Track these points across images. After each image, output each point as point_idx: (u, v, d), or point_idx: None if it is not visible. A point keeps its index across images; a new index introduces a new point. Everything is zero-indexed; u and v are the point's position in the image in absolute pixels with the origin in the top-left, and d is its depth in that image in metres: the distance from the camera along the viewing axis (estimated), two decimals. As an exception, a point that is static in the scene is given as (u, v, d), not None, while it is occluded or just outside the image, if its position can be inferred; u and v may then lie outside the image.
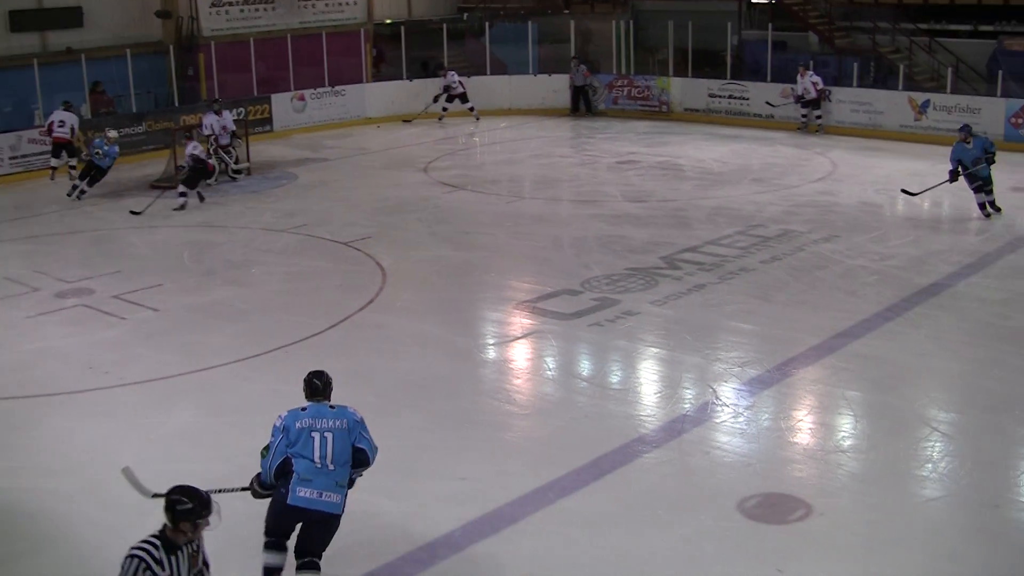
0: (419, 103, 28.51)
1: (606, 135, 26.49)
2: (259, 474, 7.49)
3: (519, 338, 12.75)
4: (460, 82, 28.19)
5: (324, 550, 7.45)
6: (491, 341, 12.87)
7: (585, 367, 12.10)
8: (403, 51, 29.24)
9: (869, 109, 25.46)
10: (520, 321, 13.23)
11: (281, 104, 27.00)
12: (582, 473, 9.28)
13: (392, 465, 8.53)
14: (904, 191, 18.75)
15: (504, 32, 32.12)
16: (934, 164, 21.98)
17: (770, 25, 29.04)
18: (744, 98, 28.02)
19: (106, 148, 19.79)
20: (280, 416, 7.43)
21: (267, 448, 7.41)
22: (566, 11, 34.10)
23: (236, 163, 21.81)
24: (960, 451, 9.67)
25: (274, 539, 7.49)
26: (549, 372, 11.84)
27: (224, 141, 21.58)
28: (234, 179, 21.50)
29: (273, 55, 27.31)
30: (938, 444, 9.78)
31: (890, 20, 28.95)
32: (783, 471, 9.33)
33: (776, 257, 15.51)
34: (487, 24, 30.98)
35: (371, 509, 8.48)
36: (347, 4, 30.08)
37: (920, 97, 25.86)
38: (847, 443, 9.84)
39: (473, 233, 17.30)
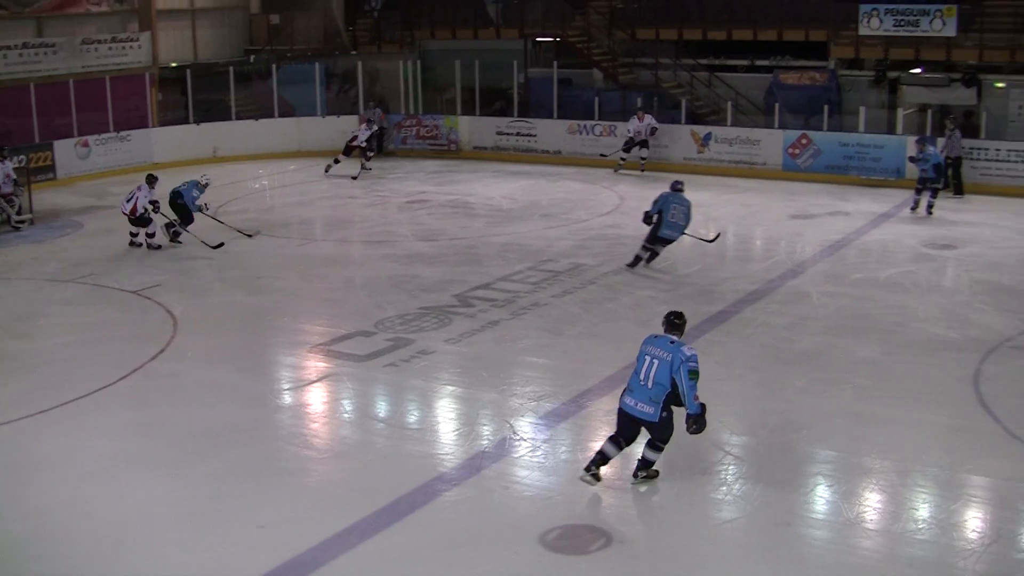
0: (204, 148, 28.00)
1: (396, 175, 26.41)
2: None
3: (314, 382, 12.48)
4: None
5: (659, 441, 9.36)
6: (286, 386, 12.57)
7: (382, 408, 11.92)
8: (189, 94, 28.61)
9: (655, 143, 26.09)
10: (315, 364, 12.97)
11: (64, 150, 25.93)
12: (383, 514, 9.09)
13: (188, 517, 8.20)
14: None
15: (291, 73, 31.78)
16: (718, 194, 22.75)
17: (555, 63, 29.54)
18: (531, 135, 28.40)
19: None
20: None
21: None
22: (353, 52, 34.01)
23: (19, 213, 20.83)
24: (753, 472, 9.87)
25: (614, 434, 9.49)
26: (346, 415, 11.62)
27: (6, 190, 20.59)
28: (17, 229, 20.52)
29: (55, 100, 26.31)
30: (731, 467, 9.97)
31: (671, 56, 29.83)
32: (582, 502, 9.34)
33: (567, 291, 15.67)
34: (274, 66, 30.60)
35: (167, 562, 8.13)
36: (131, 47, 29.24)
37: (702, 130, 26.70)
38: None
39: (265, 277, 16.92)
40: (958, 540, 8.62)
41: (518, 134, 28.63)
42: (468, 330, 13.97)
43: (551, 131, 28.11)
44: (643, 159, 26.00)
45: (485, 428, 11.00)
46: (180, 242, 19.04)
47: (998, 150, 23.34)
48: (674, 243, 16.84)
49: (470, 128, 29.16)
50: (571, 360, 12.90)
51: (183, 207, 18.93)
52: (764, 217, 21.33)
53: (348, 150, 26.30)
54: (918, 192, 21.11)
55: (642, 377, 9.22)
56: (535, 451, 10.35)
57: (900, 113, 25.39)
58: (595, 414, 11.16)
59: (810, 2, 29.54)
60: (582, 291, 15.70)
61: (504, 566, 8.35)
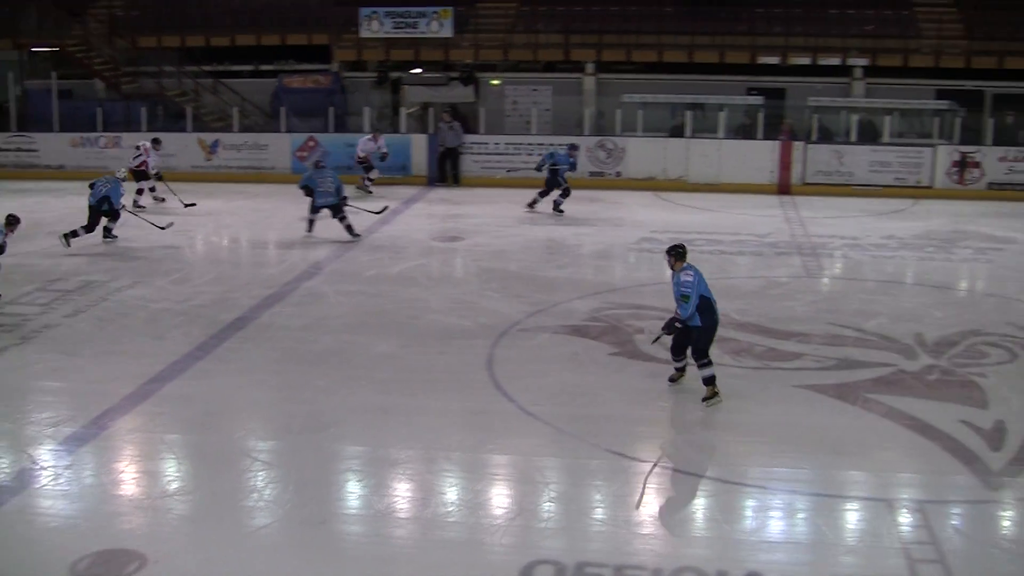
0: None
1: None
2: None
3: None
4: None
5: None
6: None
7: None
8: None
9: (162, 152, 25.33)
10: None
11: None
12: None
13: None
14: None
15: None
16: (228, 201, 22.52)
17: (53, 74, 28.04)
18: (33, 150, 26.84)
19: None
20: (691, 273, 11.13)
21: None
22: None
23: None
24: (283, 476, 9.79)
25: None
26: None
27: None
28: None
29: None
30: (261, 472, 9.84)
31: (175, 64, 29.16)
32: (112, 526, 8.86)
33: (79, 310, 14.88)
34: None
35: None
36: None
37: (209, 137, 26.32)
38: (173, 486, 9.59)
39: None
40: (485, 518, 8.97)
41: (18, 149, 26.93)
42: (-28, 361, 12.96)
43: (53, 145, 26.69)
44: (370, 180, 24.47)
45: (1, 462, 10.22)
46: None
47: (496, 143, 24.66)
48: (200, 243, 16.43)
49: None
50: (88, 381, 12.23)
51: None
52: (276, 221, 21.32)
53: None
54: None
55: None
56: (57, 479, 9.69)
57: (403, 112, 26.21)
58: (118, 434, 10.64)
59: (312, 6, 29.95)
60: (95, 308, 14.96)
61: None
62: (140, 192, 22.55)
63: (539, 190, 21.91)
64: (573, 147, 22.35)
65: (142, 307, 15.05)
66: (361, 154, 24.21)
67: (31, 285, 16.18)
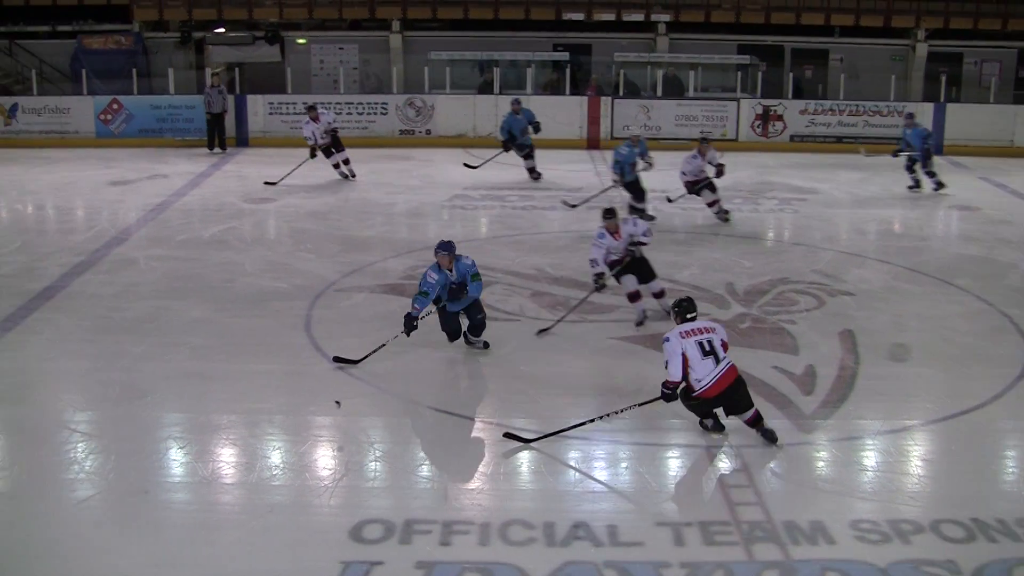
0: None
1: None
2: None
3: None
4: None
5: None
6: None
7: None
8: None
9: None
10: None
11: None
12: None
13: None
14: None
15: None
16: (30, 167, 21.84)
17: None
18: None
19: None
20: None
21: None
22: None
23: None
24: (103, 446, 9.70)
25: None
26: None
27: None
28: None
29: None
30: (80, 444, 9.71)
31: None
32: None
33: None
34: None
35: None
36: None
37: (8, 101, 25.37)
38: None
39: None
40: (311, 480, 9.07)
41: None
42: None
43: None
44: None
45: None
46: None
47: (305, 103, 24.45)
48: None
49: None
50: None
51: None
52: (82, 187, 20.78)
53: None
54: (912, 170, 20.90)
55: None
56: None
57: (208, 73, 25.74)
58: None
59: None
60: None
61: None
62: None
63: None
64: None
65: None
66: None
67: None
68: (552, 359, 11.73)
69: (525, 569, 7.73)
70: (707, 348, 9.49)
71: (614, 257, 12.70)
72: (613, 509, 8.68)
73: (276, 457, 9.52)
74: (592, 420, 9.72)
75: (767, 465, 9.38)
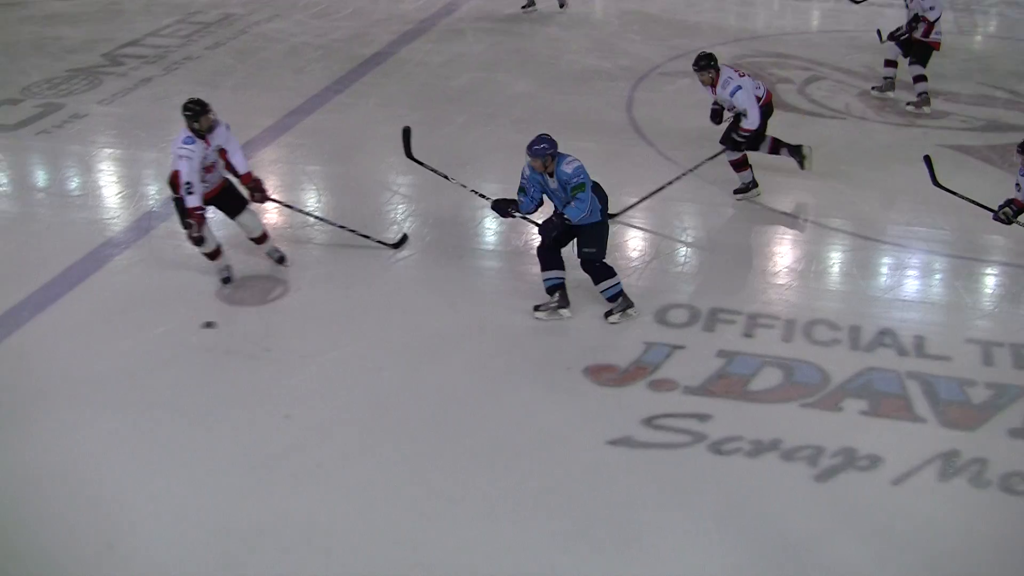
0: None
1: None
2: None
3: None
4: None
5: None
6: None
7: (40, 178, 11.18)
8: None
9: None
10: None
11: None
12: (54, 286, 8.60)
13: None
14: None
15: None
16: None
17: None
18: None
19: None
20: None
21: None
22: None
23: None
24: (421, 210, 9.91)
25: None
26: (3, 187, 10.80)
27: None
28: None
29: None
30: (401, 205, 9.97)
31: None
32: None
33: (219, 42, 14.98)
34: None
35: None
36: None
37: None
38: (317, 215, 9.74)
39: None
40: (621, 260, 8.95)
41: None
42: (121, 89, 13.22)
43: None
44: None
45: (149, 188, 10.50)
46: None
47: None
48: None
49: None
50: (230, 113, 12.08)
51: None
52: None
53: None
54: None
55: None
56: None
57: None
58: (260, 164, 10.78)
59: None
60: (235, 41, 15.05)
61: (181, 323, 8.13)
62: None
63: None
64: None
65: (281, 40, 15.06)
66: None
67: (172, 17, 16.28)
68: (877, 163, 11.04)
69: (826, 370, 7.48)
70: None
71: None
72: (922, 320, 8.23)
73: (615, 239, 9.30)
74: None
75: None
